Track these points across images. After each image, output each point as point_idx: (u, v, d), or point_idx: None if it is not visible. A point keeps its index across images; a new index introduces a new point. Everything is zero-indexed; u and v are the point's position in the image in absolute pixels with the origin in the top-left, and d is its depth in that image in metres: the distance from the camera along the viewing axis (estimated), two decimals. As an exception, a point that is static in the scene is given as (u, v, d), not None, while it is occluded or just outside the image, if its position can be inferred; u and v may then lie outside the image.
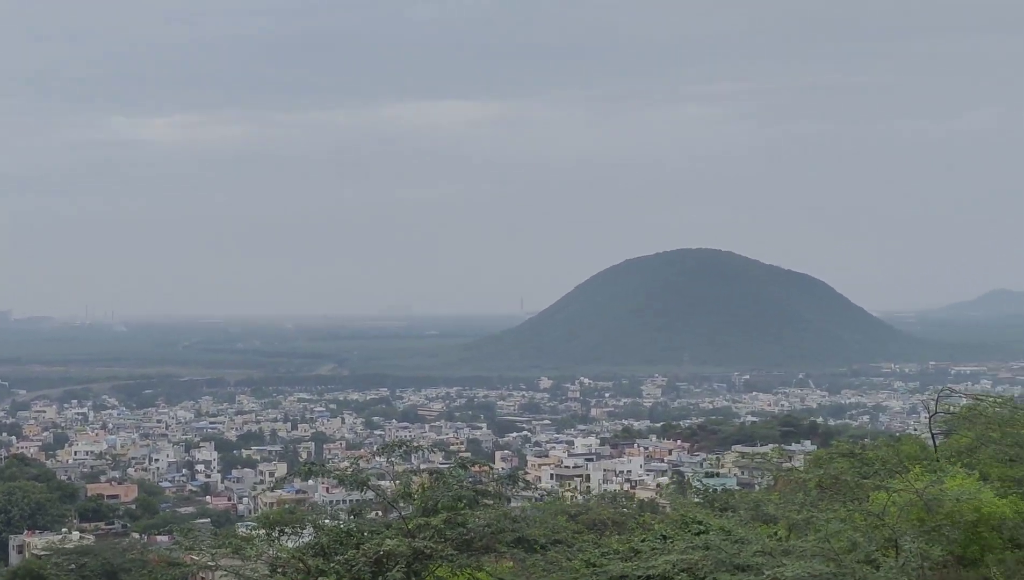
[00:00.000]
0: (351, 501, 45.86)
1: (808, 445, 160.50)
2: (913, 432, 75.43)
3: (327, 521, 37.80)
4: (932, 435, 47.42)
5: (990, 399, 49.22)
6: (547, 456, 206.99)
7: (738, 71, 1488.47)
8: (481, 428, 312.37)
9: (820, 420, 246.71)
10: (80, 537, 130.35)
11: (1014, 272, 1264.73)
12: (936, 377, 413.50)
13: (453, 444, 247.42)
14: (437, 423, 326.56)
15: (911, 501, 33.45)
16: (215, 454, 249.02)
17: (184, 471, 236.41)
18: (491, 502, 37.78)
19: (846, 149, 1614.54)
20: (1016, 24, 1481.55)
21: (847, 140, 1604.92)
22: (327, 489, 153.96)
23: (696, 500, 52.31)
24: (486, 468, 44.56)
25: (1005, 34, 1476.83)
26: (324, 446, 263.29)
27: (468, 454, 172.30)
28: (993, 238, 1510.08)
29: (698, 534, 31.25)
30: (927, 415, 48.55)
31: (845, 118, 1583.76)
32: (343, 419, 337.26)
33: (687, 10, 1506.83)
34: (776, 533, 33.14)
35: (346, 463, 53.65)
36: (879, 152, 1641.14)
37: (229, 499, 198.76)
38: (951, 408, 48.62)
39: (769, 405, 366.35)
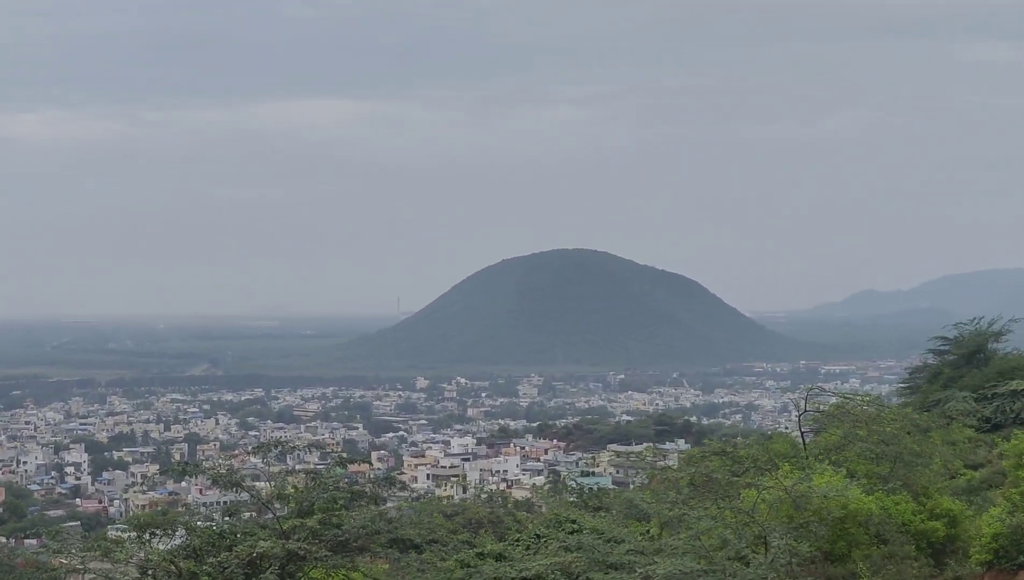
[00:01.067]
0: (225, 502, 45.48)
1: (682, 444, 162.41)
2: (784, 430, 76.73)
3: (200, 523, 37.50)
4: (801, 433, 48.14)
5: (858, 397, 50.07)
6: (423, 456, 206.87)
7: (608, 74, 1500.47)
8: (357, 428, 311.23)
9: (694, 419, 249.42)
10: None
11: (880, 273, 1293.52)
12: (806, 376, 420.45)
13: (329, 445, 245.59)
14: (313, 424, 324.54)
15: (780, 498, 33.94)
16: (86, 456, 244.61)
17: (53, 473, 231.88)
18: (367, 503, 37.74)
19: (717, 152, 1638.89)
20: (876, 30, 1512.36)
21: (717, 143, 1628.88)
22: (201, 491, 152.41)
23: (571, 499, 52.72)
24: (365, 466, 44.53)
25: (865, 41, 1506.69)
26: (198, 447, 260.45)
27: (345, 454, 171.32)
28: (860, 240, 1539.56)
29: (571, 533, 31.52)
30: (797, 413, 49.26)
31: (714, 121, 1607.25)
32: (217, 420, 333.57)
33: (558, 13, 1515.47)
34: (649, 531, 33.50)
35: (220, 464, 53.19)
36: (749, 155, 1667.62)
37: (100, 502, 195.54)
38: (820, 407, 49.30)
39: (644, 404, 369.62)
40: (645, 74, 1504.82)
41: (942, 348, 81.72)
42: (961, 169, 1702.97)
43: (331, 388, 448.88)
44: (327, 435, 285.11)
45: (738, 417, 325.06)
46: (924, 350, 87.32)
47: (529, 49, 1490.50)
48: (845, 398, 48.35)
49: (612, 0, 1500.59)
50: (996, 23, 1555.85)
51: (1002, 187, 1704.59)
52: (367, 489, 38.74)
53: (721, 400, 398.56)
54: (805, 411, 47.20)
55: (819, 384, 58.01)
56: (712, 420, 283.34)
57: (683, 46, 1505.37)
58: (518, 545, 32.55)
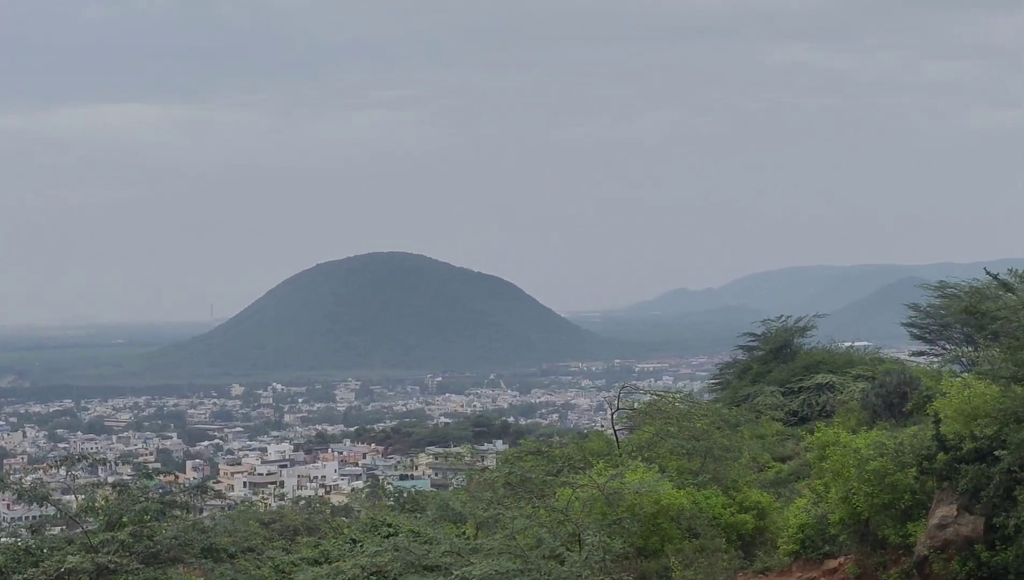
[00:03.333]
0: (32, 517, 44.36)
1: (500, 444, 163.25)
2: (600, 429, 77.60)
3: (4, 539, 36.49)
4: (615, 431, 48.81)
5: (670, 395, 50.96)
6: (240, 464, 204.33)
7: (417, 76, 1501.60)
8: (171, 438, 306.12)
9: (511, 420, 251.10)
10: None
11: (691, 272, 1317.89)
12: (621, 374, 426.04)
13: (142, 455, 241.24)
14: (125, 434, 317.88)
15: (594, 496, 34.37)
16: None
17: None
18: (180, 513, 37.14)
19: (529, 153, 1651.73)
20: (680, 33, 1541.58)
21: (529, 144, 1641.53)
22: (8, 506, 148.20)
23: (388, 503, 52.67)
24: (174, 478, 43.79)
25: (670, 43, 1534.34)
26: (4, 461, 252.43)
27: (158, 464, 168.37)
28: (672, 240, 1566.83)
29: (387, 536, 31.45)
30: (611, 412, 49.95)
31: (525, 122, 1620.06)
32: (24, 433, 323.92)
33: (362, 17, 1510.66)
34: (465, 532, 33.60)
35: (27, 477, 51.84)
36: (561, 156, 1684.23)
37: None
38: (634, 404, 50.07)
39: (462, 406, 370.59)
40: (454, 76, 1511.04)
41: (751, 344, 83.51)
42: (766, 169, 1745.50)
43: (144, 397, 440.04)
44: (140, 445, 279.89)
45: (555, 417, 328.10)
46: (733, 346, 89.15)
47: (334, 53, 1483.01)
48: (657, 395, 49.19)
49: (415, 4, 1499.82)
50: (797, 26, 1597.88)
51: (806, 187, 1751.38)
52: (179, 499, 38.09)
53: (538, 400, 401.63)
54: (618, 409, 47.91)
55: (632, 382, 58.94)
56: (529, 420, 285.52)
57: (490, 48, 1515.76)
58: (334, 550, 32.36)
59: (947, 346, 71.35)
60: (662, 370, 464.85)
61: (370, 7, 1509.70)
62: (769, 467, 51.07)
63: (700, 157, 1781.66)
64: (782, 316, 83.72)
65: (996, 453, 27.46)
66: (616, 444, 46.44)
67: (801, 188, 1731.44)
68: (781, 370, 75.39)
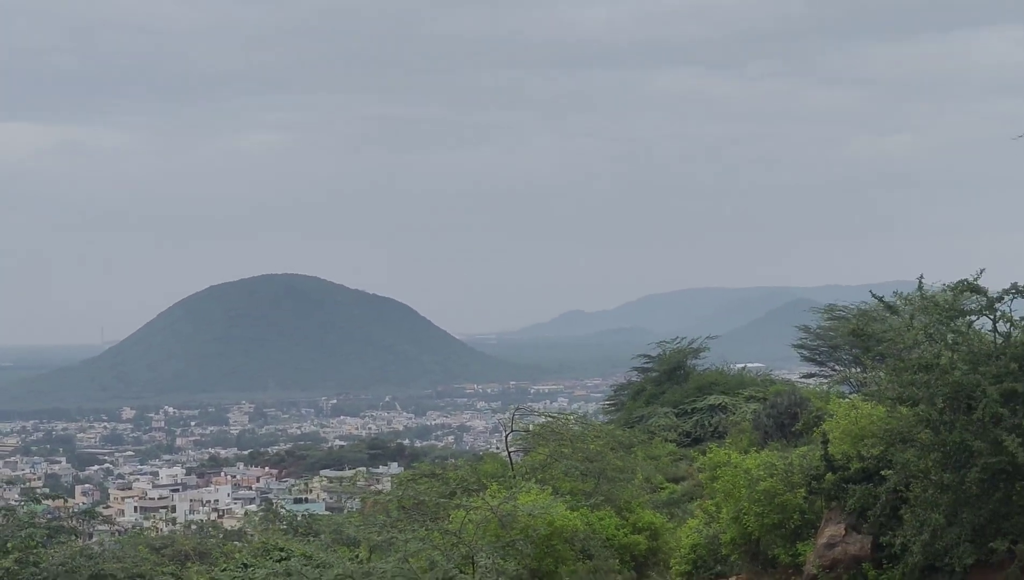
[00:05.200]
0: (-87, 545, 43.32)
1: (395, 467, 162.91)
2: (495, 451, 77.67)
3: None
4: (508, 453, 48.87)
5: (564, 416, 51.11)
6: (131, 488, 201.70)
7: (306, 101, 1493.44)
8: (60, 462, 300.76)
9: (407, 442, 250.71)
10: None
11: (585, 294, 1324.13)
12: (516, 396, 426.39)
13: (30, 480, 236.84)
14: (12, 459, 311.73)
15: (487, 518, 34.36)
16: None
17: None
18: (68, 538, 36.63)
19: (420, 178, 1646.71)
20: (571, 61, 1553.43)
21: (419, 169, 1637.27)
22: None
23: (282, 527, 52.23)
24: (63, 502, 43.18)
25: (561, 70, 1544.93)
26: None
27: (46, 489, 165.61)
28: (565, 262, 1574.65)
29: (280, 561, 31.20)
30: (505, 433, 50.00)
31: (413, 147, 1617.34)
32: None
33: (245, 43, 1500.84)
34: (358, 556, 33.45)
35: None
36: (452, 181, 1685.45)
37: None
38: (529, 426, 50.17)
39: (357, 429, 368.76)
40: (343, 102, 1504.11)
41: (645, 365, 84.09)
42: (657, 193, 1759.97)
43: (32, 421, 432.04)
44: (28, 470, 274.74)
45: (451, 439, 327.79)
46: (628, 368, 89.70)
47: (220, 77, 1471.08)
48: (552, 417, 49.31)
49: (299, 29, 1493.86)
50: (683, 55, 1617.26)
51: (697, 210, 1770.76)
52: (67, 524, 37.58)
53: (433, 422, 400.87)
54: (513, 431, 47.98)
55: (527, 404, 59.15)
56: (425, 443, 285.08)
57: (377, 73, 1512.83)
58: (225, 575, 32.05)
59: (836, 367, 72.44)
60: (557, 392, 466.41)
61: (251, 33, 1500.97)
62: (662, 488, 51.45)
63: (592, 180, 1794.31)
64: (676, 338, 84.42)
65: (882, 473, 27.90)
66: (510, 466, 46.46)
67: (692, 211, 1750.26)
68: (675, 391, 75.98)
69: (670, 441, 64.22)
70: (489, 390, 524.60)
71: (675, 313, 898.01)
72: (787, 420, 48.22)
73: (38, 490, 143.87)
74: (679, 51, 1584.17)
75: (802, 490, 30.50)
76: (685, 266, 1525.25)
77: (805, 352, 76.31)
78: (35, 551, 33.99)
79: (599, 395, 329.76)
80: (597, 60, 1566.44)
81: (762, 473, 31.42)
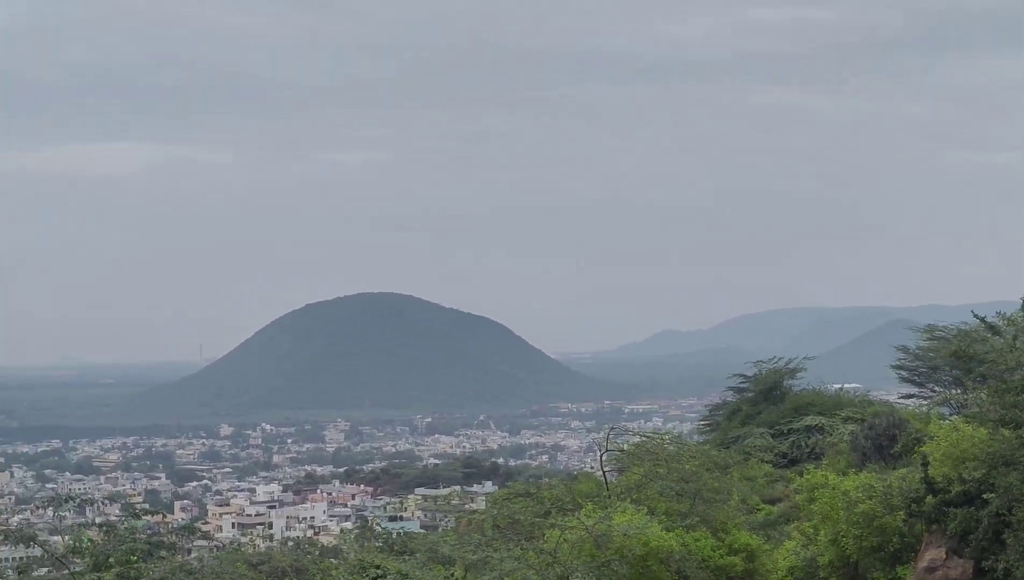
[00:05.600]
0: (19, 559, 44.14)
1: (489, 486, 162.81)
2: (589, 470, 77.49)
3: (-9, 581, 36.36)
4: (604, 472, 48.74)
5: (659, 436, 50.88)
6: (228, 505, 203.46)
7: (399, 117, 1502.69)
8: (160, 478, 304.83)
9: (501, 461, 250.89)
10: None
11: (680, 314, 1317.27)
12: (611, 416, 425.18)
13: (130, 495, 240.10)
14: (113, 474, 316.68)
15: (583, 538, 34.29)
16: None
17: None
18: (167, 554, 37.07)
19: (518, 195, 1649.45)
20: (667, 75, 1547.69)
21: (515, 185, 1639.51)
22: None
23: (377, 545, 52.47)
24: (161, 518, 43.70)
25: (648, 84, 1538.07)
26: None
27: (146, 505, 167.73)
28: (661, 282, 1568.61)
29: (375, 578, 31.36)
30: (600, 453, 49.86)
31: (507, 163, 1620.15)
32: (12, 473, 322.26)
33: (339, 57, 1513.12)
34: (453, 574, 33.52)
35: (14, 519, 51.65)
36: (549, 199, 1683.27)
37: None
38: (623, 446, 49.99)
39: (451, 447, 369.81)
40: (437, 117, 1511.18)
41: (740, 386, 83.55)
42: (756, 211, 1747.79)
43: (132, 438, 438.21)
44: (128, 486, 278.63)
45: (544, 458, 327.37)
46: (723, 388, 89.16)
47: (316, 94, 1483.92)
48: (646, 437, 49.09)
49: (391, 45, 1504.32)
50: (782, 69, 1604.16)
51: (795, 229, 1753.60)
52: (167, 539, 38.05)
53: (528, 441, 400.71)
54: (608, 451, 47.84)
55: (622, 423, 58.89)
56: (519, 462, 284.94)
57: (471, 90, 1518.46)
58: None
59: (936, 389, 71.41)
60: (652, 411, 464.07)
61: (345, 49, 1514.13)
62: (758, 509, 51.01)
63: (686, 197, 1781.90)
64: (772, 357, 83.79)
65: (984, 496, 27.51)
66: (605, 486, 46.35)
67: (787, 229, 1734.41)
68: (771, 412, 75.37)
69: (766, 462, 63.73)
70: (583, 409, 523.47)
71: (770, 333, 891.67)
72: (885, 442, 47.67)
73: (138, 506, 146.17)
74: (775, 65, 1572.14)
75: (901, 513, 30.15)
76: (780, 285, 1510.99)
77: (904, 373, 75.35)
78: (135, 566, 34.45)
79: (694, 415, 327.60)
80: (693, 75, 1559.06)
81: (860, 495, 31.11)
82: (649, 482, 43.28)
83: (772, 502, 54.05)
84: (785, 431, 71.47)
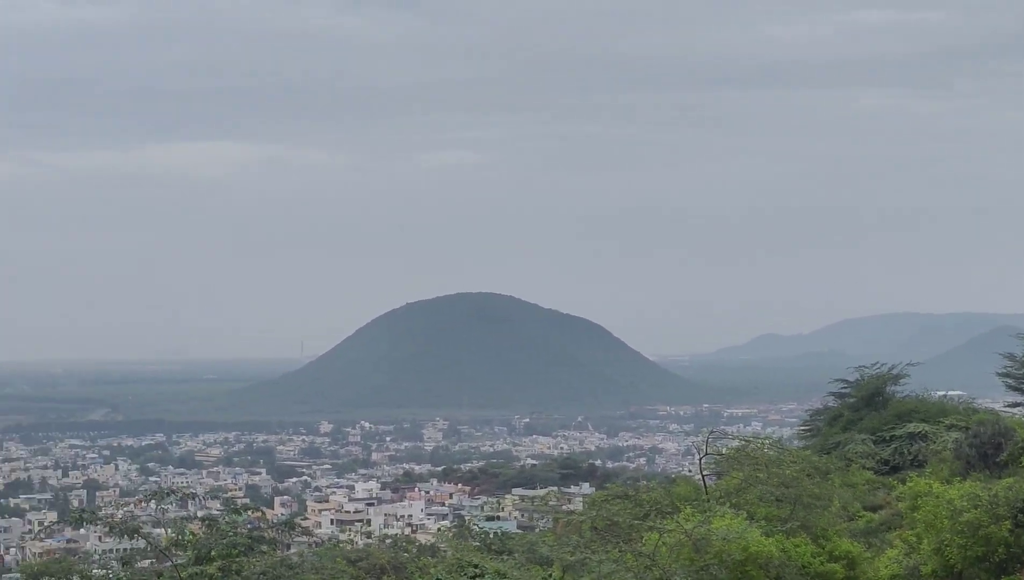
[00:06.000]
0: (123, 550, 44.85)
1: (586, 487, 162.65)
2: (687, 474, 77.24)
3: (96, 571, 36.95)
4: (703, 476, 48.51)
5: (759, 440, 50.48)
6: (327, 501, 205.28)
7: (499, 119, 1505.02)
8: (260, 474, 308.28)
9: (598, 462, 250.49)
10: None
11: (781, 317, 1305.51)
12: (709, 419, 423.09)
13: (231, 490, 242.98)
14: (215, 469, 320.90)
15: (681, 541, 34.13)
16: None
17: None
18: (268, 549, 37.42)
19: (616, 197, 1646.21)
20: (761, 78, 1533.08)
21: (617, 188, 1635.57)
22: (100, 538, 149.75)
23: (475, 544, 52.60)
24: (261, 514, 44.10)
25: (750, 89, 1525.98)
26: (97, 494, 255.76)
27: (246, 500, 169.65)
28: (762, 285, 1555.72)
29: (473, 577, 31.43)
30: (699, 457, 49.61)
31: (611, 166, 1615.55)
32: (117, 466, 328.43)
33: (440, 59, 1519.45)
34: (551, 575, 33.50)
35: (118, 511, 52.47)
36: (641, 201, 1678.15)
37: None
38: (722, 450, 49.72)
39: (549, 448, 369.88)
40: (535, 120, 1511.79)
41: (842, 391, 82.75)
42: (858, 215, 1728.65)
43: (234, 433, 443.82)
44: (229, 481, 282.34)
45: (642, 460, 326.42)
46: (824, 393, 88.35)
47: (413, 95, 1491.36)
48: (746, 441, 48.73)
49: (487, 48, 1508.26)
50: (891, 73, 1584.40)
51: (898, 233, 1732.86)
52: (267, 535, 38.40)
53: (625, 443, 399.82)
54: (706, 454, 47.57)
55: (721, 427, 58.57)
56: (616, 464, 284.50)
57: (569, 93, 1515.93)
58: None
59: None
60: (751, 415, 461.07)
61: (442, 51, 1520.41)
62: (860, 516, 50.45)
63: (789, 200, 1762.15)
64: (874, 363, 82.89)
65: (1094, 507, 26.98)
66: (704, 489, 46.11)
67: (891, 233, 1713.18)
68: (872, 418, 74.55)
69: (867, 469, 62.95)
70: (681, 412, 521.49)
71: (872, 338, 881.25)
72: (991, 450, 47.01)
73: (239, 501, 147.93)
74: (881, 69, 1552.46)
75: (1008, 522, 29.67)
76: (883, 290, 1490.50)
77: (1010, 381, 74.27)
78: (237, 560, 34.78)
79: (793, 420, 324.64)
80: (797, 78, 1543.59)
81: (965, 504, 30.65)
82: (748, 487, 42.99)
83: (873, 509, 53.44)
84: (887, 438, 70.64)
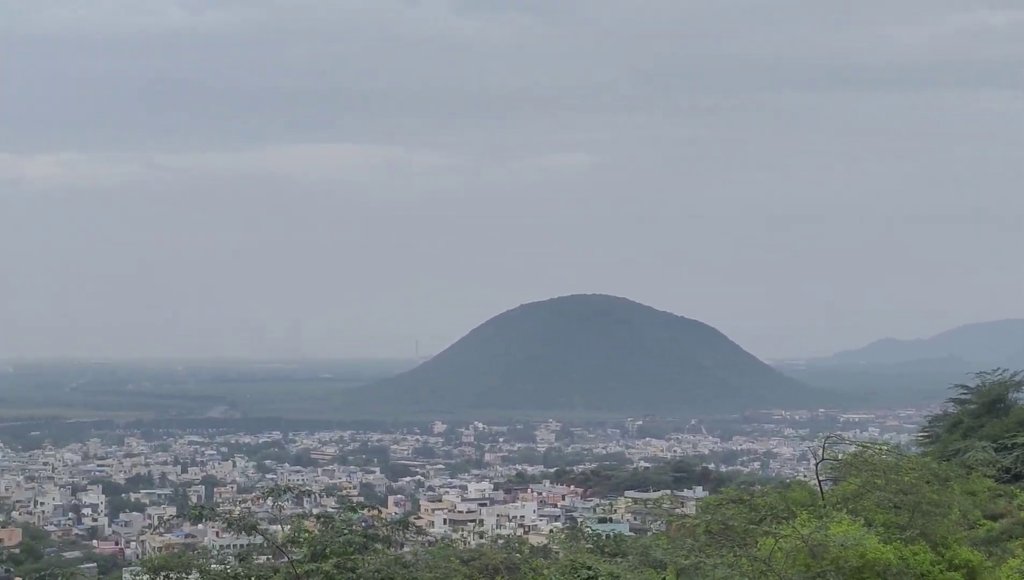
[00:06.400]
0: (240, 546, 45.43)
1: (700, 491, 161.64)
2: (803, 478, 76.34)
3: (214, 566, 37.40)
4: (819, 481, 48.01)
5: (877, 446, 49.85)
6: (440, 501, 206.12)
7: (615, 121, 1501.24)
8: (374, 472, 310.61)
9: (712, 466, 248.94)
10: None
11: (900, 322, 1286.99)
12: (825, 424, 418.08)
13: (345, 488, 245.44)
14: (330, 467, 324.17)
15: (797, 547, 33.81)
16: (103, 497, 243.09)
17: (70, 515, 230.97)
18: (382, 547, 37.64)
19: (732, 200, 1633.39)
20: (874, 81, 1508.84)
21: (731, 191, 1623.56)
22: (217, 533, 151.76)
23: (587, 546, 52.50)
24: (376, 512, 44.37)
25: (868, 91, 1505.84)
26: (215, 490, 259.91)
27: (361, 498, 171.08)
28: (879, 289, 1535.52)
29: (587, 579, 31.37)
30: (815, 462, 49.09)
31: (722, 169, 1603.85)
32: (234, 462, 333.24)
33: (551, 62, 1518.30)
34: (664, 578, 33.36)
35: (236, 507, 53.10)
36: (755, 204, 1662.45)
37: (116, 543, 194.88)
38: (839, 455, 49.19)
39: (662, 451, 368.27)
40: (650, 122, 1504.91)
41: (963, 397, 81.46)
42: (977, 219, 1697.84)
43: (349, 431, 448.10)
44: (344, 479, 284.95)
45: (756, 465, 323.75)
46: (944, 399, 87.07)
47: (530, 97, 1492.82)
48: (864, 447, 48.16)
49: (604, 48, 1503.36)
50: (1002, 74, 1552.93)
51: (1018, 237, 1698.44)
52: (382, 533, 38.64)
53: (739, 447, 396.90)
54: (823, 459, 47.04)
55: (837, 432, 57.86)
56: (730, 467, 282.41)
57: (682, 95, 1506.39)
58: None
59: None
60: (867, 421, 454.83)
61: (564, 54, 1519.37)
62: (980, 525, 49.58)
63: (905, 204, 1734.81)
64: (996, 369, 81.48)
65: None
66: (820, 495, 45.63)
67: (1014, 238, 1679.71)
68: (994, 425, 73.29)
69: (988, 476, 61.81)
70: (797, 417, 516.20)
71: (994, 344, 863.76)
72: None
73: (353, 499, 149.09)
74: (1003, 70, 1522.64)
75: None
76: (1006, 295, 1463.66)
77: None
78: (352, 558, 35.04)
79: (912, 426, 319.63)
80: (915, 80, 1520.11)
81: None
82: (866, 493, 42.51)
83: (994, 518, 52.48)
84: (1009, 445, 69.36)
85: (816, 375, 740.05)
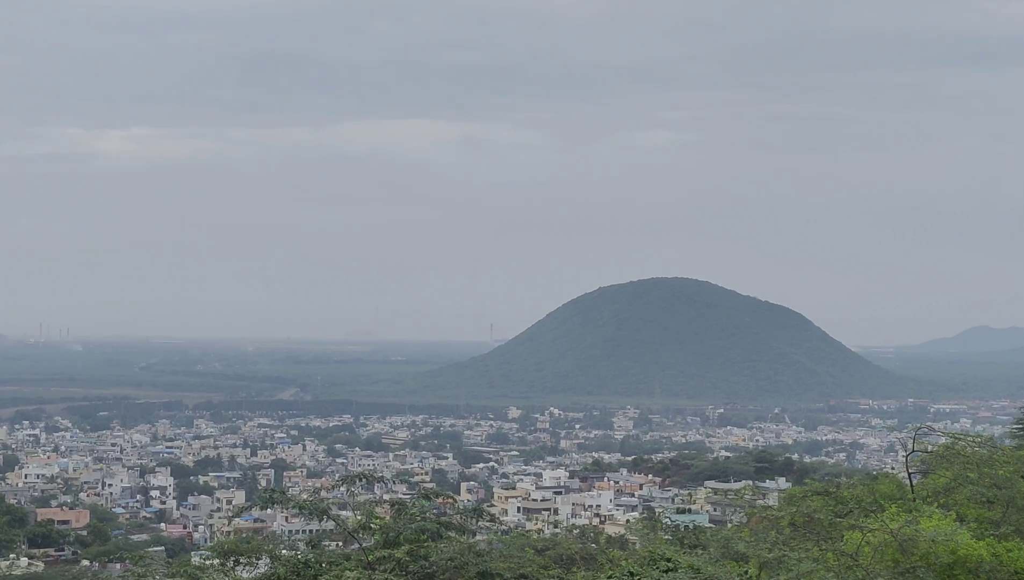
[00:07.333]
0: (310, 531, 44.86)
1: (783, 482, 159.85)
2: (890, 471, 74.82)
3: (284, 551, 36.91)
4: (908, 474, 46.74)
5: (969, 438, 48.60)
6: (514, 488, 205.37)
7: (702, 99, 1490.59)
8: (447, 458, 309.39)
9: (795, 456, 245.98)
10: (29, 563, 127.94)
11: (995, 309, 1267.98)
12: (915, 414, 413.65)
13: (417, 474, 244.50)
14: (401, 452, 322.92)
15: (886, 541, 32.75)
16: (171, 480, 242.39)
17: (138, 497, 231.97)
18: (455, 535, 37.01)
19: (820, 182, 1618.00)
20: (987, 57, 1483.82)
21: (822, 171, 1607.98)
22: (287, 518, 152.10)
23: (666, 537, 51.40)
24: (450, 500, 43.73)
25: (973, 67, 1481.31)
26: (284, 474, 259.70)
27: (433, 485, 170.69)
28: (973, 275, 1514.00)
29: (666, 571, 30.26)
30: (904, 453, 47.86)
31: (816, 149, 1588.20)
32: (304, 446, 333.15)
33: (641, 37, 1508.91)
34: (747, 572, 32.23)
35: (306, 492, 52.62)
36: (856, 185, 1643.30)
37: (184, 527, 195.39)
38: (929, 447, 48.08)
39: (743, 440, 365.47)
40: (744, 98, 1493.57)
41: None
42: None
43: (421, 416, 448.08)
44: (416, 464, 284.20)
45: (842, 456, 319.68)
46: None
47: (617, 73, 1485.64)
48: (955, 438, 46.90)
49: (699, 22, 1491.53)
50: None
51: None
52: (455, 520, 37.94)
53: (824, 437, 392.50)
54: (913, 451, 45.82)
55: (928, 423, 56.49)
56: (815, 458, 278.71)
57: (778, 71, 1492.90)
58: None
59: None
60: (959, 412, 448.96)
61: (645, 30, 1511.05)
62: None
63: (1006, 187, 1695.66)
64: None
65: None
66: (910, 488, 44.31)
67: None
68: (1091, 418, 71.28)
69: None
70: (885, 406, 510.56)
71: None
72: None
73: (425, 485, 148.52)
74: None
75: None
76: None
77: None
78: (425, 545, 34.46)
79: (1005, 418, 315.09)
80: (1012, 56, 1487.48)
81: None
82: (958, 486, 41.35)
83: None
84: (1105, 438, 67.38)
85: (906, 364, 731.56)
